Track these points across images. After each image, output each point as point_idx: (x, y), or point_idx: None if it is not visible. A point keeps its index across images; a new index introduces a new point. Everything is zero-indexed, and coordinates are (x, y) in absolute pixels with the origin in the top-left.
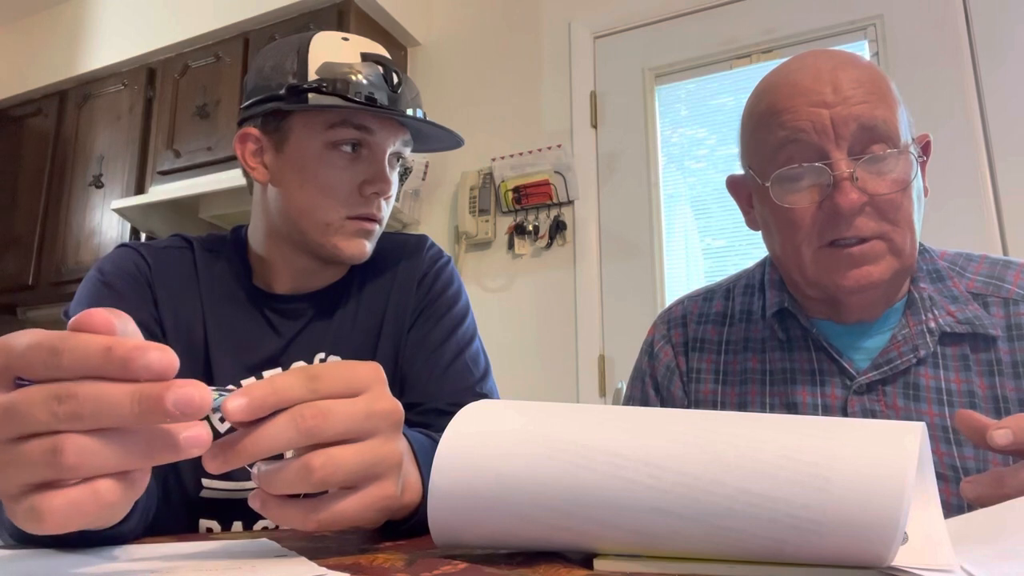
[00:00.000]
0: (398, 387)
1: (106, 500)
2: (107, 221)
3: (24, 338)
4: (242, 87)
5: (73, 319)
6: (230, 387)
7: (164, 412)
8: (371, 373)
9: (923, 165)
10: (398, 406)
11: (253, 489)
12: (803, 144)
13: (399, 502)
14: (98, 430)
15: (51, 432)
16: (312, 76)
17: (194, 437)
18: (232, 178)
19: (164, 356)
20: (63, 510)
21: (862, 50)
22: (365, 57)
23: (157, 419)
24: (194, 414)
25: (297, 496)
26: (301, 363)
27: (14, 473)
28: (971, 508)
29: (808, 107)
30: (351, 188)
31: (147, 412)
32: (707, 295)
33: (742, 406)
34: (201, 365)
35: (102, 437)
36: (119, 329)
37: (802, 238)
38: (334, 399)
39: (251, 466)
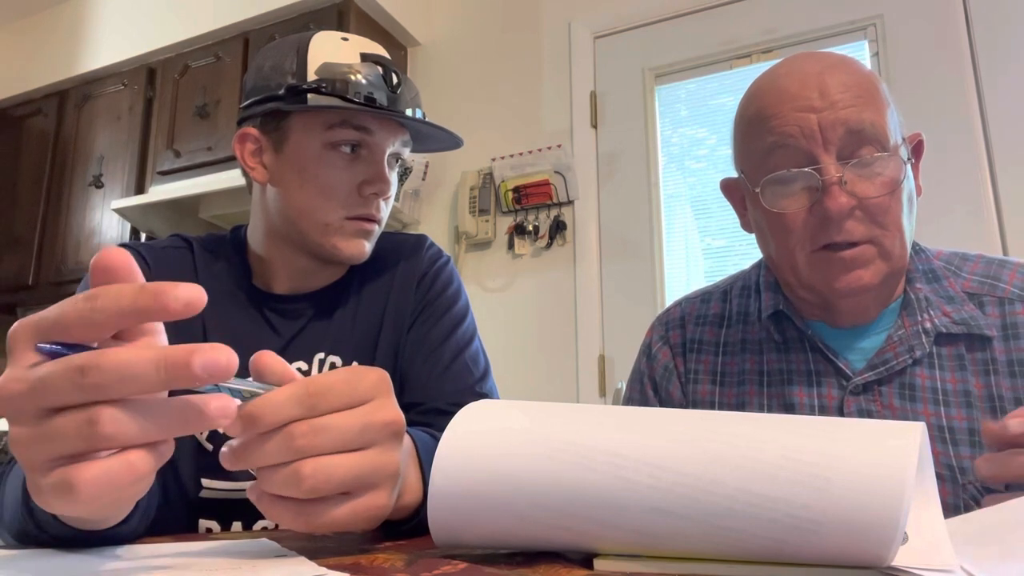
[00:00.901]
0: (398, 387)
1: (140, 470)
2: (107, 221)
3: (54, 307)
4: (242, 87)
5: (94, 258)
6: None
7: (191, 376)
8: (375, 383)
9: (915, 165)
10: (399, 416)
11: None
12: (791, 149)
13: (390, 511)
14: (129, 401)
15: (81, 405)
16: (311, 76)
17: (222, 407)
18: (232, 178)
19: (193, 289)
20: (97, 480)
21: (862, 50)
22: (364, 57)
23: (183, 383)
24: (220, 376)
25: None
26: (301, 363)
27: (45, 447)
28: (970, 508)
29: (795, 112)
30: (350, 188)
31: (173, 378)
32: (704, 297)
33: (739, 407)
34: None
35: (136, 408)
36: (135, 269)
37: (795, 242)
38: (332, 413)
39: None
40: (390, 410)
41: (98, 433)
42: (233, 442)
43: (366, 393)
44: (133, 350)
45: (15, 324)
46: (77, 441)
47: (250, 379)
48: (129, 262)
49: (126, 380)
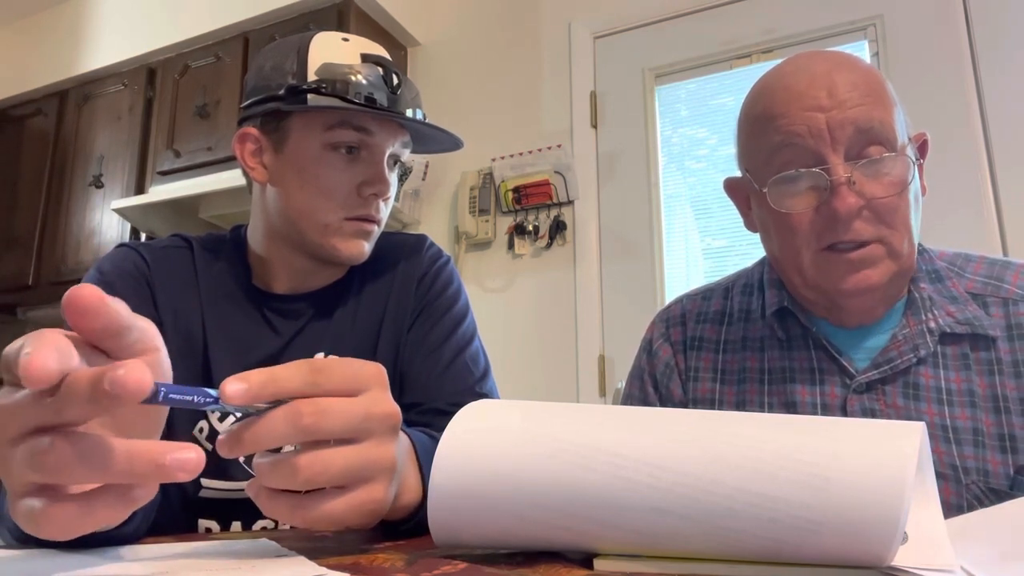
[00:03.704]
0: (397, 387)
1: (101, 517)
2: (107, 221)
3: (31, 343)
4: (242, 87)
5: (64, 297)
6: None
7: (104, 394)
8: (373, 374)
9: (920, 165)
10: (396, 410)
11: None
12: (799, 149)
13: (388, 506)
14: (88, 435)
15: (51, 430)
16: (312, 77)
17: (182, 460)
18: (232, 178)
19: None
20: (57, 521)
21: (862, 50)
22: (365, 58)
23: (104, 402)
24: (128, 398)
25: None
26: None
27: (14, 471)
28: (971, 508)
29: (803, 112)
30: (350, 189)
31: (96, 396)
32: (706, 294)
33: (740, 405)
34: (200, 364)
35: (88, 447)
36: (110, 303)
37: (800, 242)
38: (334, 396)
39: (244, 460)
40: (389, 402)
41: (47, 461)
42: (232, 429)
43: (365, 381)
44: (86, 370)
45: (6, 349)
46: (31, 468)
47: None
48: (100, 301)
49: (72, 398)
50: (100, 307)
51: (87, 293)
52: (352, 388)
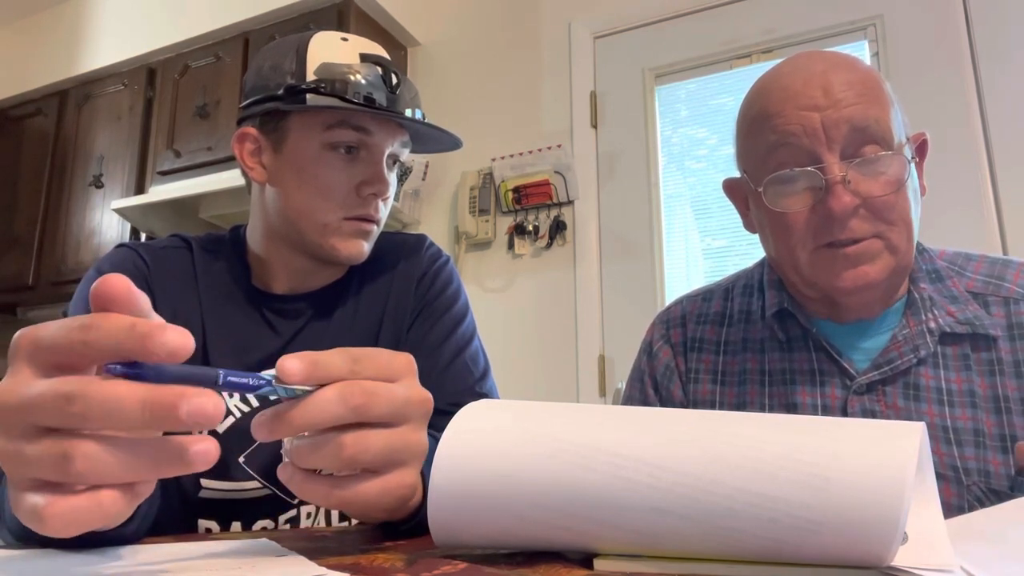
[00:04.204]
0: None
1: (108, 512)
2: (107, 221)
3: (53, 325)
4: (242, 87)
5: (94, 284)
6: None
7: (177, 421)
8: (405, 363)
9: (919, 164)
10: (430, 397)
11: (251, 490)
12: (794, 148)
13: (415, 492)
14: (108, 437)
15: (66, 430)
16: (310, 76)
17: (203, 451)
18: (232, 178)
19: (180, 336)
20: (63, 517)
21: (862, 50)
22: (364, 58)
23: (168, 427)
24: (206, 424)
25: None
26: None
27: (23, 467)
28: (972, 509)
29: (798, 111)
30: (349, 189)
31: (158, 420)
32: (706, 295)
33: (740, 406)
34: (199, 365)
35: (112, 446)
36: (136, 294)
37: (796, 241)
38: (374, 381)
39: (244, 461)
40: (423, 390)
41: (69, 469)
42: (273, 410)
43: (399, 370)
44: (123, 386)
45: (18, 333)
46: (51, 472)
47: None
48: (128, 290)
49: (110, 415)
50: (128, 297)
51: (116, 282)
52: (387, 375)
